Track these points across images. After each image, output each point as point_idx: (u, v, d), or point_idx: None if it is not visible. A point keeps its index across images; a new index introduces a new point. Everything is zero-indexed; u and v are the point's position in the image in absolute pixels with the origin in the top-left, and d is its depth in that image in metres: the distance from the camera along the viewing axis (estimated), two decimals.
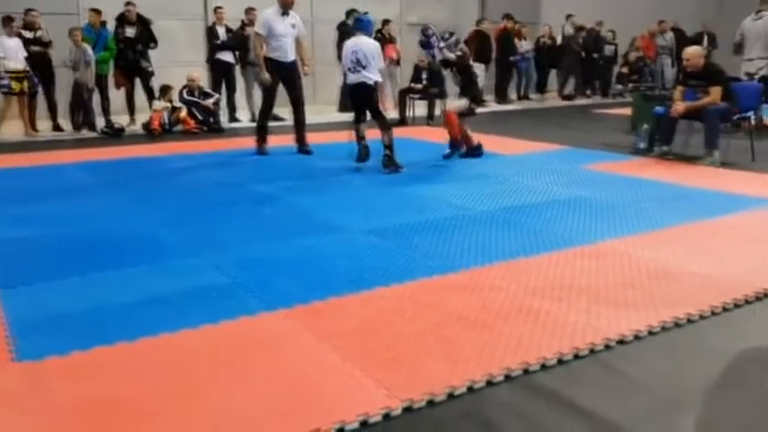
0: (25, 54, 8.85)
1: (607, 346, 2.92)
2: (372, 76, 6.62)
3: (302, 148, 7.83)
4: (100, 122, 9.52)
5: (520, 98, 14.20)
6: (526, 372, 2.70)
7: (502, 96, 13.65)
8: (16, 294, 3.45)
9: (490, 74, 13.30)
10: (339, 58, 11.89)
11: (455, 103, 7.51)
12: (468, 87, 7.30)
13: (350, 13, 12.09)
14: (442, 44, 7.08)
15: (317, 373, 2.68)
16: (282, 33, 7.39)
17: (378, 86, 6.71)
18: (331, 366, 2.73)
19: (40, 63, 9.13)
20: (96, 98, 9.54)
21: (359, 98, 6.76)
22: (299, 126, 7.84)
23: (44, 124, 9.45)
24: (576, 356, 2.84)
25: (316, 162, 7.28)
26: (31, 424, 2.32)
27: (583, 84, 14.81)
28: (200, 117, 9.62)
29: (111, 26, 9.81)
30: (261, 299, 3.42)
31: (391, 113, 10.29)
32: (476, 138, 7.50)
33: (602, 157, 7.51)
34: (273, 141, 7.87)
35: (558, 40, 14.36)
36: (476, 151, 7.43)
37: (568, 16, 14.28)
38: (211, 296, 3.48)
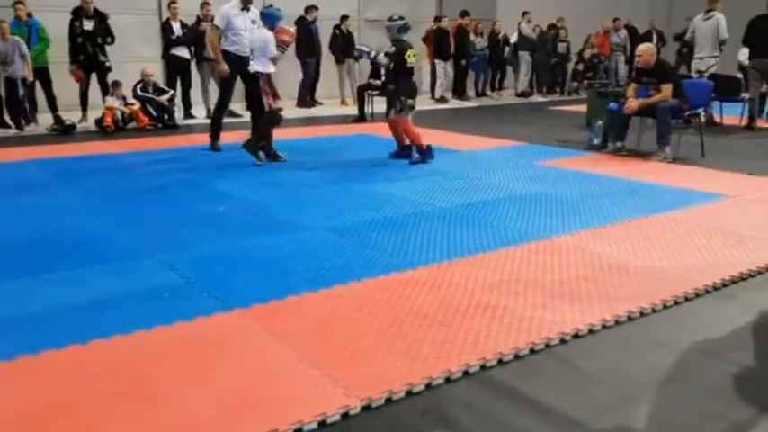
0: None
1: (562, 341, 2.96)
2: (255, 65, 6.84)
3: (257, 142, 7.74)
4: (45, 119, 9.26)
5: (477, 95, 14.32)
6: (483, 367, 2.72)
7: (459, 93, 13.74)
8: None
9: (448, 71, 13.37)
10: (297, 53, 11.85)
11: (394, 110, 7.40)
12: (400, 86, 7.22)
13: (309, 9, 12.01)
14: (373, 54, 7.23)
15: (274, 374, 2.65)
16: (242, 28, 7.34)
17: (261, 77, 6.80)
18: (288, 366, 2.71)
19: None
20: (34, 93, 9.31)
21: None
22: (259, 120, 7.75)
23: None
24: (533, 351, 2.87)
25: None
26: None
27: (538, 81, 15.02)
28: (154, 113, 9.44)
29: (57, 18, 9.53)
30: (217, 299, 3.37)
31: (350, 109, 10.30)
32: (423, 136, 7.49)
33: (557, 153, 7.62)
34: (229, 138, 7.77)
35: (514, 37, 14.50)
36: (406, 152, 7.25)
37: (524, 13, 14.43)
38: (165, 297, 3.41)
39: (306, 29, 11.85)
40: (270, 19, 6.90)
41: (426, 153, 7.02)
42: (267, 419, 2.31)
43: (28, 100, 9.26)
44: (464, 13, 13.48)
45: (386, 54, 7.13)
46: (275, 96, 6.85)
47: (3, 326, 3.03)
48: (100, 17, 9.58)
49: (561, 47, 14.90)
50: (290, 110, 11.44)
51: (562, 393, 2.56)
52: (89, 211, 5.09)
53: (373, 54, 7.21)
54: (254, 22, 7.45)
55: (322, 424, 2.33)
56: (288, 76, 12.26)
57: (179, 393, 2.49)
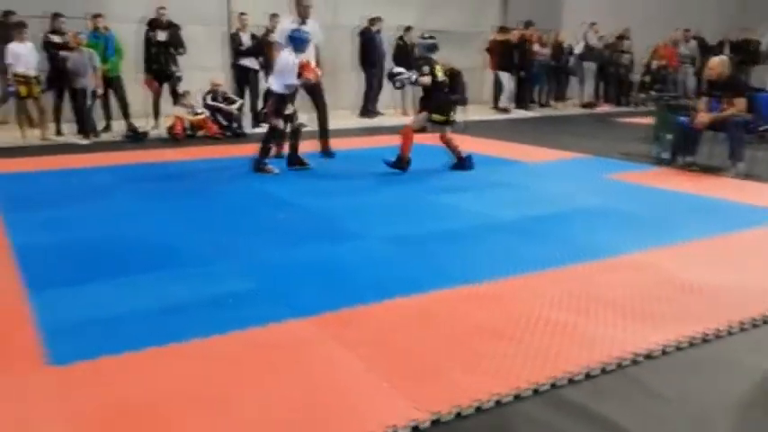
0: (37, 59, 8.94)
1: (634, 361, 2.90)
2: (270, 83, 7.09)
3: (325, 152, 7.87)
4: (118, 126, 9.62)
5: (540, 105, 14.16)
6: (554, 386, 2.69)
7: (522, 104, 13.61)
8: (46, 298, 3.49)
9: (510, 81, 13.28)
10: (362, 63, 11.99)
11: (416, 117, 7.39)
12: (429, 99, 7.21)
13: (373, 20, 12.11)
14: (414, 77, 7.22)
15: (343, 383, 2.68)
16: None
17: (272, 95, 7.00)
18: (357, 376, 2.74)
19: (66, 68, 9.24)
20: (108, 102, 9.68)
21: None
22: (323, 131, 7.90)
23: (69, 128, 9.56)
24: (604, 371, 2.82)
25: (337, 167, 7.29)
26: (61, 429, 2.35)
27: (605, 92, 14.76)
28: (223, 122, 9.68)
29: (136, 30, 9.90)
30: (285, 305, 3.44)
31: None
32: (485, 146, 7.47)
33: (624, 166, 7.46)
34: (303, 147, 7.89)
35: (579, 47, 14.30)
36: (465, 163, 7.24)
37: (592, 24, 14.22)
38: (236, 302, 3.49)
39: (369, 40, 11.97)
40: (299, 43, 6.87)
41: (399, 163, 6.98)
42: (337, 429, 2.35)
43: (103, 107, 9.63)
44: (528, 24, 13.36)
45: (422, 74, 7.11)
46: (278, 114, 6.87)
47: (84, 327, 3.17)
48: (172, 28, 9.91)
49: (625, 58, 14.61)
50: (349, 120, 11.61)
51: (635, 415, 2.51)
52: (160, 217, 5.25)
53: (414, 78, 7.21)
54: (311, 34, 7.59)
55: None
56: (348, 86, 12.45)
57: (250, 398, 2.55)
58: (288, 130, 7.10)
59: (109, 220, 5.15)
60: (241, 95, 10.42)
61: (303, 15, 7.48)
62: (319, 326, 3.20)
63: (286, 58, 6.83)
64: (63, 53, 9.20)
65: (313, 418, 2.43)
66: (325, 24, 12.53)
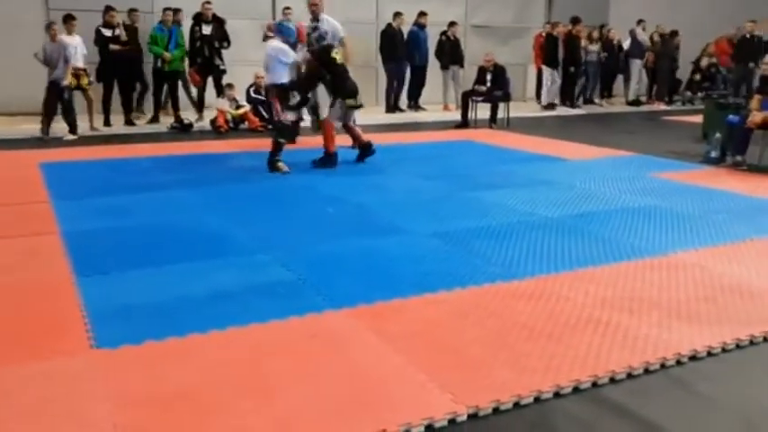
0: (84, 52, 9.14)
1: (679, 362, 2.85)
2: (268, 78, 6.81)
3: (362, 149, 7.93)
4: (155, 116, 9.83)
5: (585, 102, 13.94)
6: (595, 384, 2.66)
7: (567, 100, 13.41)
8: (93, 283, 3.59)
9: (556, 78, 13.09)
10: (384, 60, 12.00)
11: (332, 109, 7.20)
12: (339, 88, 7.05)
13: (395, 15, 12.04)
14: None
15: (382, 374, 2.69)
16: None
17: (272, 90, 6.76)
18: (395, 368, 2.75)
19: (117, 60, 9.46)
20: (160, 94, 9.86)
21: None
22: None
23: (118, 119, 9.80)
24: (647, 371, 2.78)
25: (377, 163, 7.29)
26: (103, 410, 2.41)
27: (658, 90, 14.45)
28: (265, 115, 9.78)
29: (185, 24, 10.08)
30: (326, 296, 3.46)
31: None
32: (529, 143, 7.38)
33: (671, 165, 7.30)
34: (338, 141, 7.92)
35: (627, 44, 14.03)
36: (368, 150, 7.17)
37: (639, 21, 13.93)
38: (278, 292, 3.54)
39: (391, 35, 11.94)
40: (287, 32, 6.90)
41: (331, 159, 6.93)
42: (376, 419, 2.36)
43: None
44: (575, 20, 13.14)
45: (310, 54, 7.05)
46: (284, 109, 6.77)
47: (131, 312, 3.25)
48: (218, 22, 10.05)
49: (675, 55, 14.26)
50: (379, 114, 11.62)
51: (678, 416, 2.46)
52: (204, 207, 5.34)
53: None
54: (326, 32, 7.77)
55: (429, 428, 2.35)
56: (377, 81, 12.50)
57: (291, 387, 2.58)
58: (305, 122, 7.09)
59: (155, 208, 5.27)
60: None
61: (313, 14, 7.82)
62: (359, 318, 3.21)
63: (275, 45, 6.75)
64: (112, 46, 9.44)
65: (352, 408, 2.44)
66: (367, 20, 12.67)
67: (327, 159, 6.91)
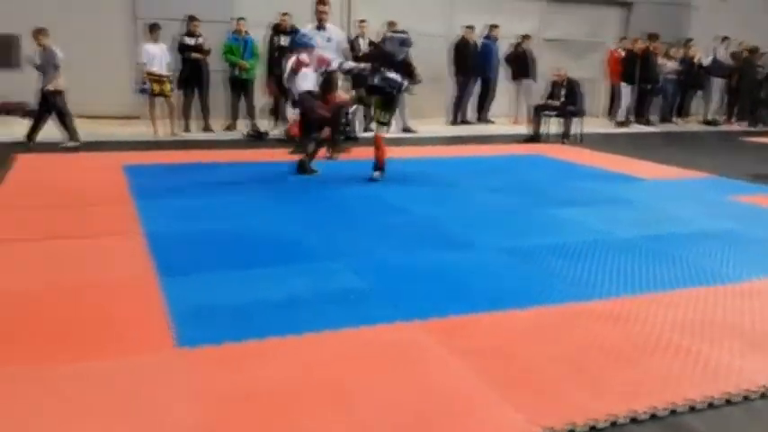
0: (168, 60, 9.50)
1: (764, 395, 2.74)
2: (295, 88, 6.94)
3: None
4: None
5: (661, 120, 13.58)
6: (673, 412, 2.59)
7: (642, 117, 13.10)
8: (175, 283, 3.72)
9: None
10: (456, 72, 11.99)
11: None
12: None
13: (467, 29, 12.03)
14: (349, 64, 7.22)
15: (453, 390, 2.69)
16: (319, 46, 7.74)
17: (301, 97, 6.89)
18: (467, 384, 2.74)
19: (196, 68, 9.81)
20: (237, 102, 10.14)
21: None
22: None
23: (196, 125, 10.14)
24: (729, 402, 2.68)
25: (445, 175, 7.30)
26: (184, 407, 2.49)
27: (740, 110, 13.95)
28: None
29: (264, 35, 10.36)
30: (397, 307, 3.49)
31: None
32: (601, 160, 7.22)
33: (752, 188, 7.03)
34: (403, 153, 8.00)
35: (708, 61, 13.60)
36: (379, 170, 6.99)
37: (724, 38, 13.49)
38: (350, 300, 3.59)
39: (461, 49, 11.92)
40: (299, 45, 7.16)
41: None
42: None
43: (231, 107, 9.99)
44: (652, 36, 12.84)
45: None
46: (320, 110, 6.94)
47: (211, 313, 3.35)
48: (295, 33, 10.26)
49: (758, 73, 13.75)
50: (445, 127, 11.63)
51: None
52: (278, 213, 5.47)
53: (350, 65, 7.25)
54: (329, 40, 7.97)
55: None
56: (446, 93, 12.51)
57: (364, 396, 2.61)
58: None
59: (231, 212, 5.42)
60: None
61: (319, 21, 8.08)
62: (430, 331, 3.22)
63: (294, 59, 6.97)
64: (194, 54, 9.78)
65: (423, 422, 2.45)
66: (438, 33, 12.72)
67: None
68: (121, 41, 11.17)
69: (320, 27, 7.96)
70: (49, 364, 2.78)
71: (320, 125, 7.11)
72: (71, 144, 8.51)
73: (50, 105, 8.49)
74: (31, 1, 10.64)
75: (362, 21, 10.89)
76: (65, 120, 8.61)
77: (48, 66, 8.38)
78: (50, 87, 8.40)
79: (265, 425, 2.40)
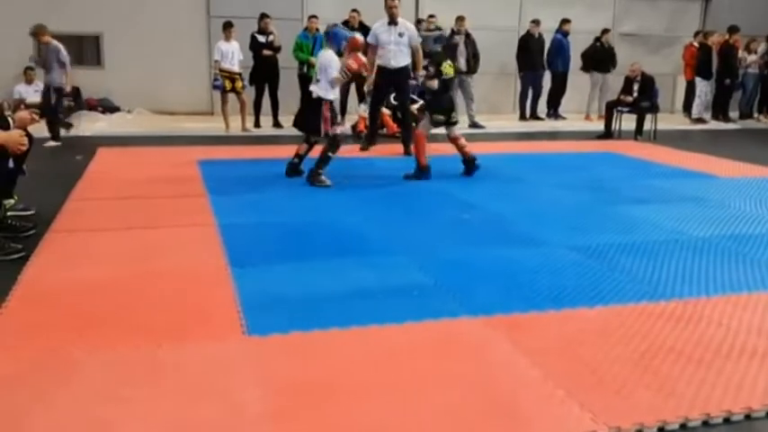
0: (241, 57, 9.69)
1: None
2: (319, 90, 6.31)
3: (406, 152, 8.03)
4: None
5: (742, 116, 13.01)
6: (748, 417, 2.50)
7: (721, 114, 12.59)
8: (246, 274, 3.83)
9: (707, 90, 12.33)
10: (520, 67, 11.81)
11: (423, 121, 6.93)
12: (432, 102, 6.80)
13: (533, 23, 11.80)
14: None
15: (518, 387, 2.68)
16: (387, 42, 7.86)
17: (324, 104, 6.26)
18: (533, 381, 2.72)
19: (267, 66, 10.02)
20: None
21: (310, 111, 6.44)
22: (405, 130, 8.27)
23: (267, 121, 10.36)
24: None
25: (515, 171, 7.21)
26: (252, 394, 2.56)
27: None
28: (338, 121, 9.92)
29: None
30: (461, 303, 3.49)
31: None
32: (677, 157, 6.97)
33: None
34: (471, 149, 7.90)
35: None
36: (472, 164, 6.83)
37: None
38: (414, 294, 3.61)
39: (526, 43, 11.71)
40: (336, 39, 6.52)
41: (424, 172, 6.62)
42: (513, 431, 2.36)
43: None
44: (732, 29, 12.32)
45: (426, 73, 6.78)
46: (334, 122, 6.37)
47: (279, 303, 3.44)
48: (364, 30, 10.34)
49: None
50: (515, 122, 11.51)
51: None
52: (345, 207, 5.55)
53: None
54: (401, 35, 7.83)
55: None
56: (515, 88, 12.40)
57: (428, 390, 2.62)
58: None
59: (299, 206, 5.54)
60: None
61: (391, 17, 7.90)
62: (495, 327, 3.21)
63: (327, 55, 6.37)
64: (266, 52, 9.99)
65: (488, 417, 2.45)
66: (509, 27, 12.56)
67: (420, 173, 6.65)
68: (196, 39, 11.55)
69: (392, 22, 7.94)
70: (123, 350, 2.90)
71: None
72: (53, 144, 8.35)
73: (53, 101, 8.33)
74: (109, 1, 11.09)
75: (431, 16, 10.88)
76: (55, 118, 8.46)
77: (51, 62, 8.25)
78: (58, 83, 8.29)
79: (330, 414, 2.44)
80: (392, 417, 2.43)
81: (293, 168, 6.68)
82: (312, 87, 6.45)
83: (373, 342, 3.03)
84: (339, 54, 6.58)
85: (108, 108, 11.14)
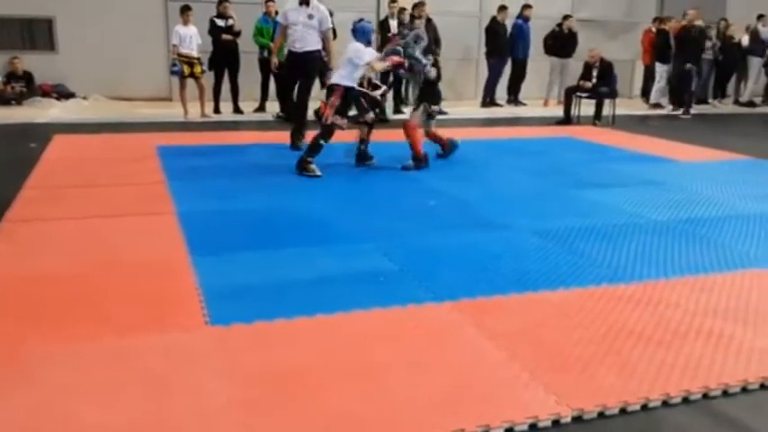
0: (199, 42, 9.50)
1: None
2: (334, 78, 6.42)
3: (295, 146, 7.43)
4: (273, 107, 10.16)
5: (697, 102, 13.28)
6: (706, 396, 2.57)
7: (678, 100, 12.83)
8: (207, 263, 3.77)
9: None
10: (487, 54, 11.82)
11: (414, 112, 6.91)
12: (428, 93, 6.82)
13: (500, 9, 11.85)
14: (424, 62, 6.69)
15: (483, 369, 2.70)
16: (294, 21, 7.24)
17: (336, 90, 6.30)
18: (498, 364, 2.75)
19: (227, 50, 9.85)
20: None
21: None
22: (298, 119, 7.63)
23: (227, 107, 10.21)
24: (764, 386, 2.65)
25: (478, 158, 7.25)
26: (217, 384, 2.53)
27: (765, 90, 13.61)
28: (366, 107, 9.89)
29: None
30: (428, 288, 3.50)
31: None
32: (635, 142, 7.11)
33: None
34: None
35: (745, 41, 13.25)
36: (453, 147, 6.97)
37: (760, 16, 13.13)
38: (380, 281, 3.61)
39: (494, 30, 11.77)
40: (364, 33, 6.60)
41: (423, 161, 6.60)
42: (479, 414, 2.37)
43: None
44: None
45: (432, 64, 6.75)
46: (339, 111, 6.33)
47: (242, 292, 3.40)
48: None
49: None
50: (477, 108, 11.55)
51: None
52: (309, 194, 5.50)
53: (425, 62, 6.72)
54: (310, 17, 7.23)
55: (533, 427, 2.34)
56: (477, 75, 12.40)
57: (395, 375, 2.63)
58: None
59: (262, 193, 5.47)
60: (386, 82, 10.59)
61: None
62: (461, 311, 3.23)
63: (354, 45, 6.39)
64: (225, 36, 9.82)
65: (454, 401, 2.46)
66: (471, 13, 12.58)
67: (418, 162, 6.62)
68: (154, 23, 11.29)
69: (303, 2, 7.22)
70: (83, 342, 2.84)
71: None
72: None
73: None
74: None
75: (394, 1, 10.81)
76: None
77: None
78: None
79: (296, 403, 2.43)
80: (359, 403, 2.43)
81: (362, 155, 6.65)
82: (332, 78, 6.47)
83: (339, 329, 3.02)
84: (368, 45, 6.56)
85: (63, 94, 10.84)
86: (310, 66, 7.43)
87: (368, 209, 5.09)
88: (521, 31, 12.01)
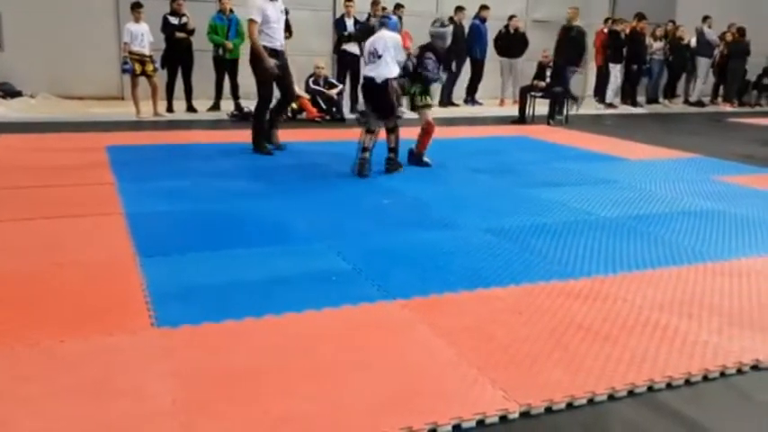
0: (151, 39, 9.32)
1: (740, 371, 2.77)
2: (384, 71, 6.17)
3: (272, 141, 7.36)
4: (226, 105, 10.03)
5: (649, 101, 13.60)
6: (650, 389, 2.61)
7: (629, 99, 13.12)
8: (155, 264, 3.69)
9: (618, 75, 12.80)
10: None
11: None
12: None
13: (457, 9, 11.88)
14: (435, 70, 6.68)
15: (433, 367, 2.70)
16: (274, 19, 6.86)
17: (389, 84, 6.17)
18: (447, 361, 2.75)
19: (180, 48, 9.69)
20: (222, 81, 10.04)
21: (370, 95, 6.27)
22: (278, 116, 7.55)
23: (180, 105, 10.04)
24: (706, 378, 2.71)
25: (434, 157, 7.27)
26: (163, 386, 2.48)
27: (717, 90, 14.02)
28: (323, 106, 9.87)
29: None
30: (380, 287, 3.49)
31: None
32: (588, 141, 7.23)
33: (737, 168, 7.07)
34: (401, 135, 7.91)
35: (693, 42, 13.61)
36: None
37: (705, 18, 13.49)
38: (333, 280, 3.58)
39: (452, 30, 11.81)
40: (392, 26, 6.60)
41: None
42: (428, 411, 2.37)
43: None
44: (640, 16, 12.82)
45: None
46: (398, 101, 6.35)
47: (190, 293, 3.33)
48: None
49: (744, 55, 13.78)
50: (434, 108, 11.52)
51: (735, 425, 2.41)
52: (262, 194, 5.44)
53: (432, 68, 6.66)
54: (283, 12, 7.00)
55: (480, 423, 2.35)
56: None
57: (345, 374, 2.61)
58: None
59: (214, 193, 5.38)
60: (342, 81, 10.58)
61: None
62: (412, 310, 3.22)
63: (394, 38, 6.28)
64: (178, 34, 9.66)
65: (404, 398, 2.45)
66: (428, 13, 12.62)
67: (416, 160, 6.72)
68: (104, 20, 11.04)
69: None
70: (22, 345, 2.75)
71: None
72: None
73: None
74: None
75: (349, 0, 10.78)
76: None
77: None
78: None
79: (244, 404, 2.39)
80: (307, 404, 2.40)
81: (391, 163, 6.39)
82: (372, 73, 6.20)
83: (289, 330, 2.98)
84: None
85: (9, 92, 10.52)
86: (287, 63, 7.29)
87: (321, 209, 5.05)
88: (478, 32, 12.10)
